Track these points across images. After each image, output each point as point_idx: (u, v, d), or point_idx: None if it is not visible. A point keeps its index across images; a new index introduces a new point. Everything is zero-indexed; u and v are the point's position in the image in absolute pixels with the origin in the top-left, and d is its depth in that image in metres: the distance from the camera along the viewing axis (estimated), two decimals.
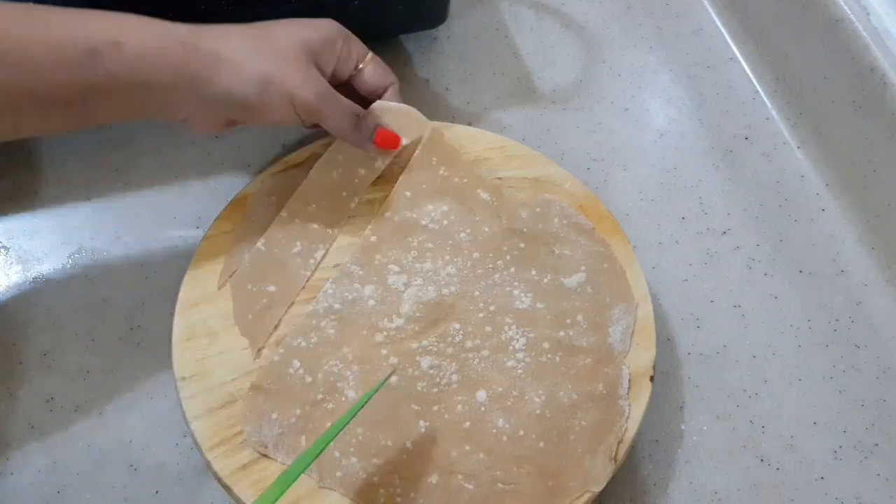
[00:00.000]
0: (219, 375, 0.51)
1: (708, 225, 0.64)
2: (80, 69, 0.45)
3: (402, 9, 0.66)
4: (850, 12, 0.62)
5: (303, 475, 0.47)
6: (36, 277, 0.59)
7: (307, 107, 0.52)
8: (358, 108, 0.55)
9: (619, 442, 0.49)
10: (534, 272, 0.55)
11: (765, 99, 0.70)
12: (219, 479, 0.48)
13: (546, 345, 0.53)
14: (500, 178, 0.59)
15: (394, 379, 0.51)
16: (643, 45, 0.74)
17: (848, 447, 0.55)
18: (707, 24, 0.75)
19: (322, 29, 0.54)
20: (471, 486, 0.48)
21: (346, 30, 0.56)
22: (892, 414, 0.57)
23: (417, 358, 0.52)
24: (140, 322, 0.57)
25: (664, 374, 0.57)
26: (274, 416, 0.50)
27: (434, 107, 0.68)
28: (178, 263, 0.55)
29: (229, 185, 0.62)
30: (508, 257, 0.56)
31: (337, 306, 0.54)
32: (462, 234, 0.57)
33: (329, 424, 0.49)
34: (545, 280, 0.55)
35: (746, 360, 0.58)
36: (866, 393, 0.57)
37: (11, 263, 0.60)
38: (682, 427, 0.56)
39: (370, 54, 0.57)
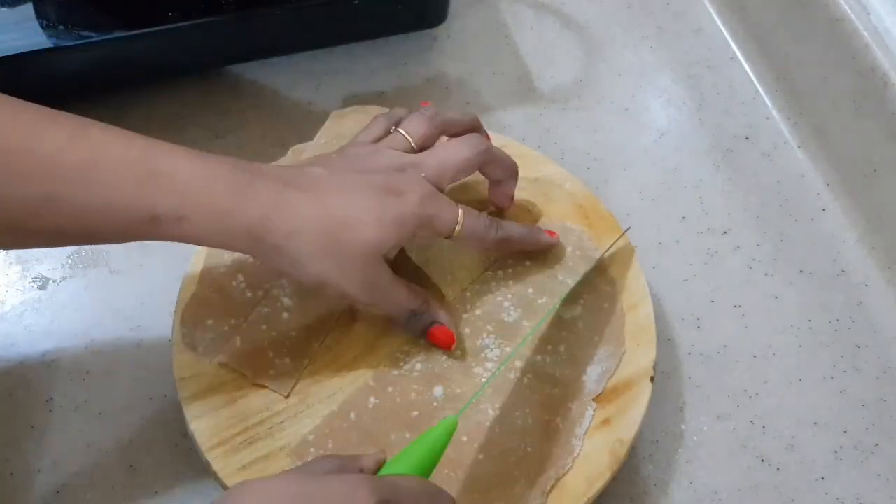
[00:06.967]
0: (219, 376, 0.51)
1: (708, 225, 0.64)
2: (139, 229, 0.44)
3: (402, 8, 0.66)
4: (850, 12, 0.62)
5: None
6: (35, 277, 0.59)
7: (360, 304, 0.51)
8: (416, 302, 0.51)
9: (559, 479, 0.48)
10: (531, 290, 0.55)
11: (765, 99, 0.70)
12: (218, 480, 0.48)
13: (518, 363, 0.52)
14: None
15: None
16: (643, 45, 0.74)
17: (848, 447, 0.55)
18: (707, 24, 0.75)
19: (405, 223, 0.48)
20: None
21: (431, 202, 0.49)
22: (892, 414, 0.57)
23: None
24: (140, 322, 0.57)
25: (664, 374, 0.57)
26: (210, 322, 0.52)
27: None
28: (178, 263, 0.55)
29: None
30: (511, 270, 0.55)
31: None
32: None
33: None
34: (539, 301, 0.54)
35: (747, 360, 0.58)
36: (867, 393, 0.57)
37: (11, 263, 0.60)
38: (683, 427, 0.56)
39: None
